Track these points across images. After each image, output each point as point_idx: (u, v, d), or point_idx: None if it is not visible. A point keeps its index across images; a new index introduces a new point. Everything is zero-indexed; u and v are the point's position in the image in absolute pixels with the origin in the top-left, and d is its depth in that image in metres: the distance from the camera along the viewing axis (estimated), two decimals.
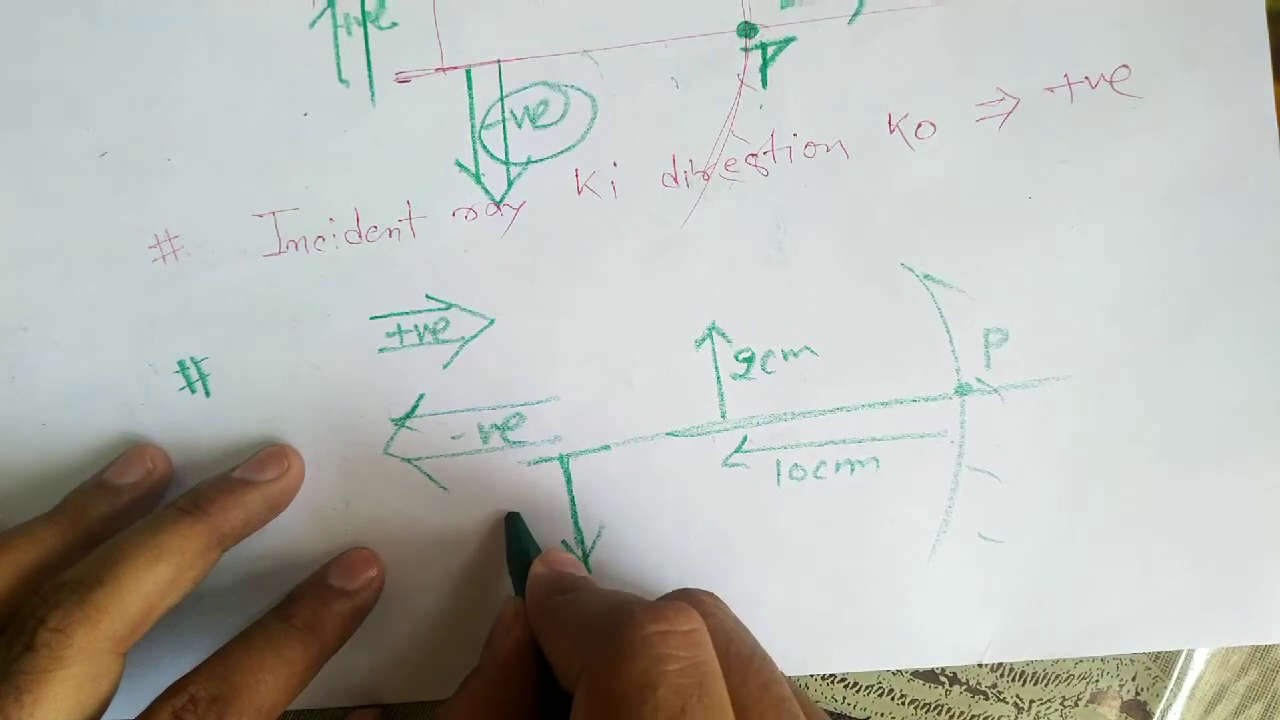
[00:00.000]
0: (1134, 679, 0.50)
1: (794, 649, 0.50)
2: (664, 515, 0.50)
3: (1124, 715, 0.51)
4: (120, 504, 0.49)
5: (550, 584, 0.44)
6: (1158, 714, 0.51)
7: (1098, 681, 0.51)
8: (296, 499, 0.51)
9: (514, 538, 0.49)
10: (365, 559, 0.51)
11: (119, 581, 0.42)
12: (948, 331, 0.48)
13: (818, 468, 0.49)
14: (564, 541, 0.50)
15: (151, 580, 0.43)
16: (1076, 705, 0.51)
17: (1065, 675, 0.51)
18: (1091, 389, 0.48)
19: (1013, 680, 0.51)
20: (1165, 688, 0.50)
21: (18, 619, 0.41)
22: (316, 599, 0.48)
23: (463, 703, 0.42)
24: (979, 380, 0.48)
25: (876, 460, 0.48)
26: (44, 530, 0.47)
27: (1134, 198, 0.47)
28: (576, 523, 0.50)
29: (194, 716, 0.41)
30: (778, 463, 0.49)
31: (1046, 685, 0.51)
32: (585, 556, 0.50)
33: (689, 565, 0.50)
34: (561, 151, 0.49)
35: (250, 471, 0.49)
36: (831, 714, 0.51)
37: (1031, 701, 0.51)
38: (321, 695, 0.52)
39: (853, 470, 0.49)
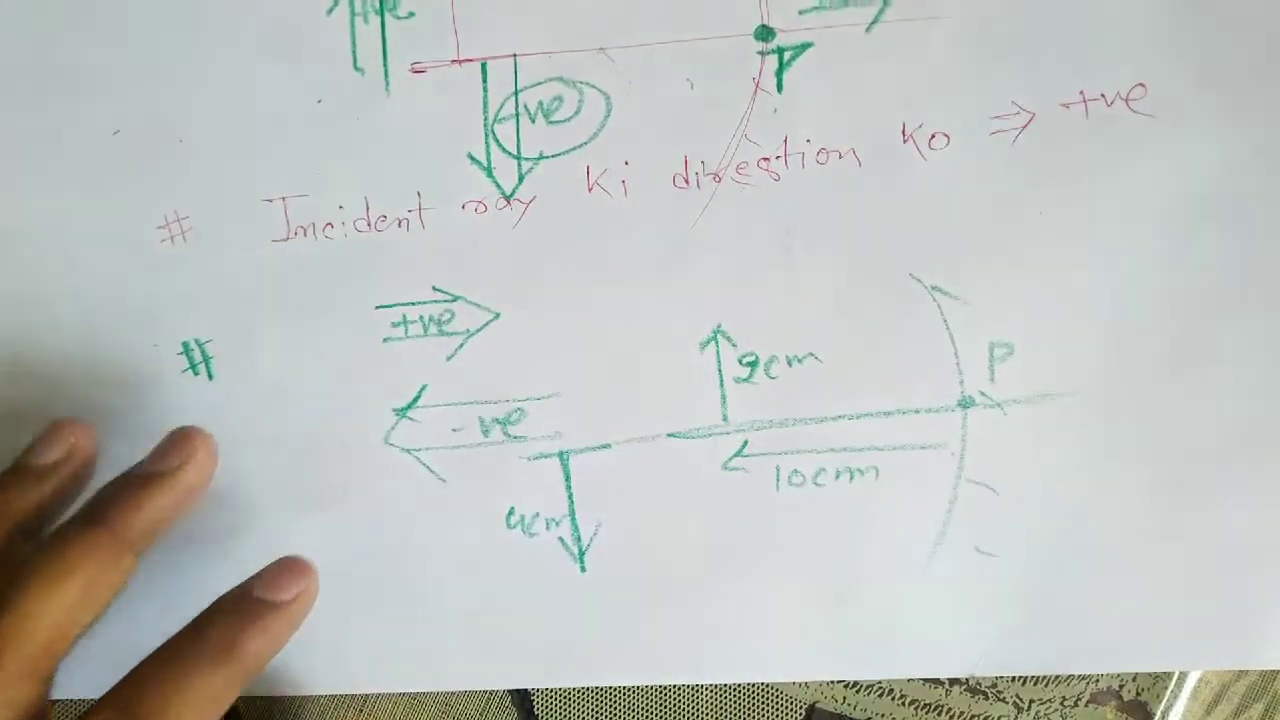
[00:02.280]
0: (1134, 679, 0.50)
1: (787, 655, 0.50)
2: (662, 516, 0.50)
3: (1124, 715, 0.51)
4: (47, 489, 0.47)
5: None
6: (1158, 714, 0.51)
7: (1098, 681, 0.51)
8: (294, 485, 0.51)
9: None
10: (297, 568, 0.46)
11: (23, 609, 0.41)
12: (953, 344, 0.47)
13: (817, 474, 0.49)
14: (560, 539, 0.50)
15: (58, 603, 0.41)
16: (1077, 705, 0.51)
17: (1065, 675, 0.51)
18: (1095, 407, 0.48)
19: (1013, 680, 0.51)
20: (1166, 688, 0.50)
21: None
22: (236, 615, 0.44)
23: None
24: (982, 394, 0.48)
25: (876, 469, 0.48)
26: None
27: (1146, 217, 0.47)
28: (574, 520, 0.50)
29: None
30: (777, 468, 0.49)
31: (1047, 685, 0.51)
32: (582, 554, 0.50)
33: (685, 567, 0.50)
34: (574, 148, 0.49)
35: (151, 464, 0.46)
36: (831, 714, 0.51)
37: (1031, 701, 0.51)
38: (317, 682, 0.52)
39: (852, 479, 0.48)
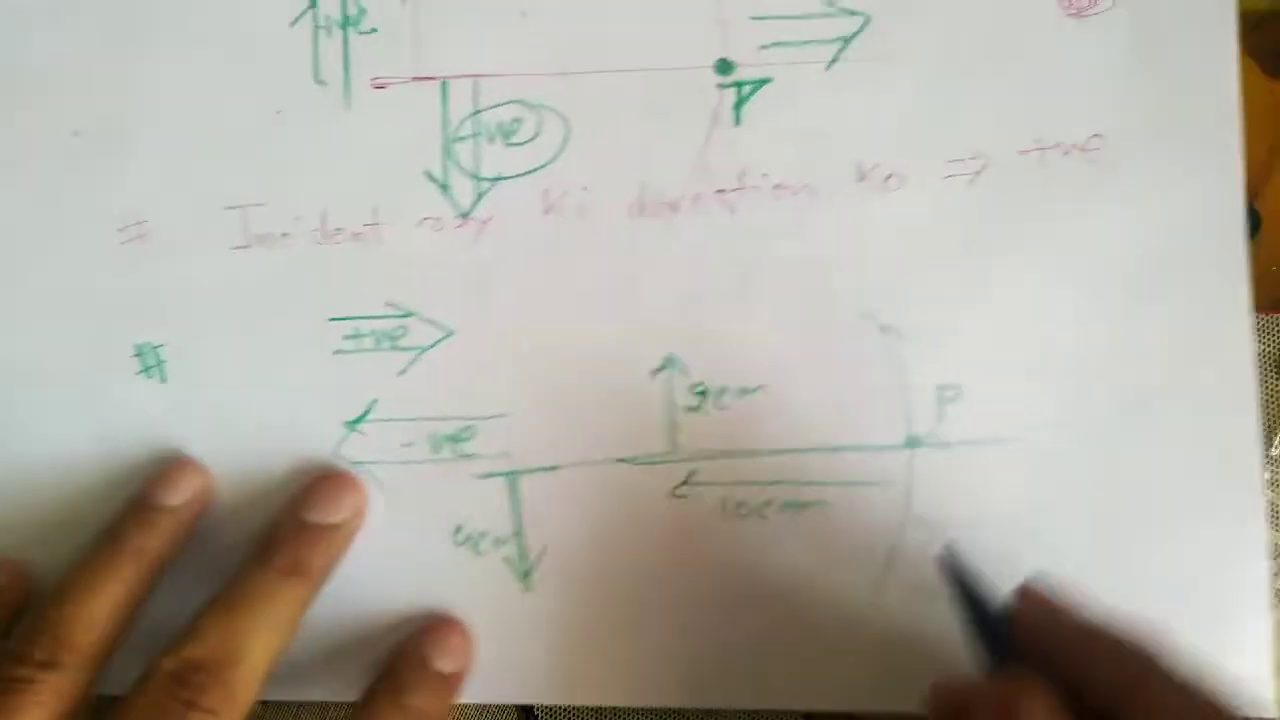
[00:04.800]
0: None
1: (726, 683, 0.50)
2: (608, 541, 0.50)
3: None
4: (176, 525, 0.49)
5: (1102, 634, 0.39)
6: None
7: None
8: (242, 498, 0.51)
9: (965, 584, 0.45)
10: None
11: (251, 661, 0.43)
12: (902, 383, 0.48)
13: (763, 507, 0.49)
14: (506, 558, 0.50)
15: (274, 651, 0.45)
16: None
17: None
18: (1038, 454, 0.48)
19: None
20: None
21: (150, 693, 0.42)
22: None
23: None
24: (929, 435, 0.48)
25: (821, 504, 0.49)
26: (123, 568, 0.47)
27: (1096, 266, 0.47)
28: (520, 541, 0.50)
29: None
30: (724, 499, 0.49)
31: None
32: (527, 574, 0.50)
33: (629, 592, 0.50)
34: (531, 171, 0.49)
35: (325, 514, 0.49)
36: (836, 715, 0.51)
37: None
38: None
39: (797, 512, 0.49)
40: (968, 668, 0.45)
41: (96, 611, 0.45)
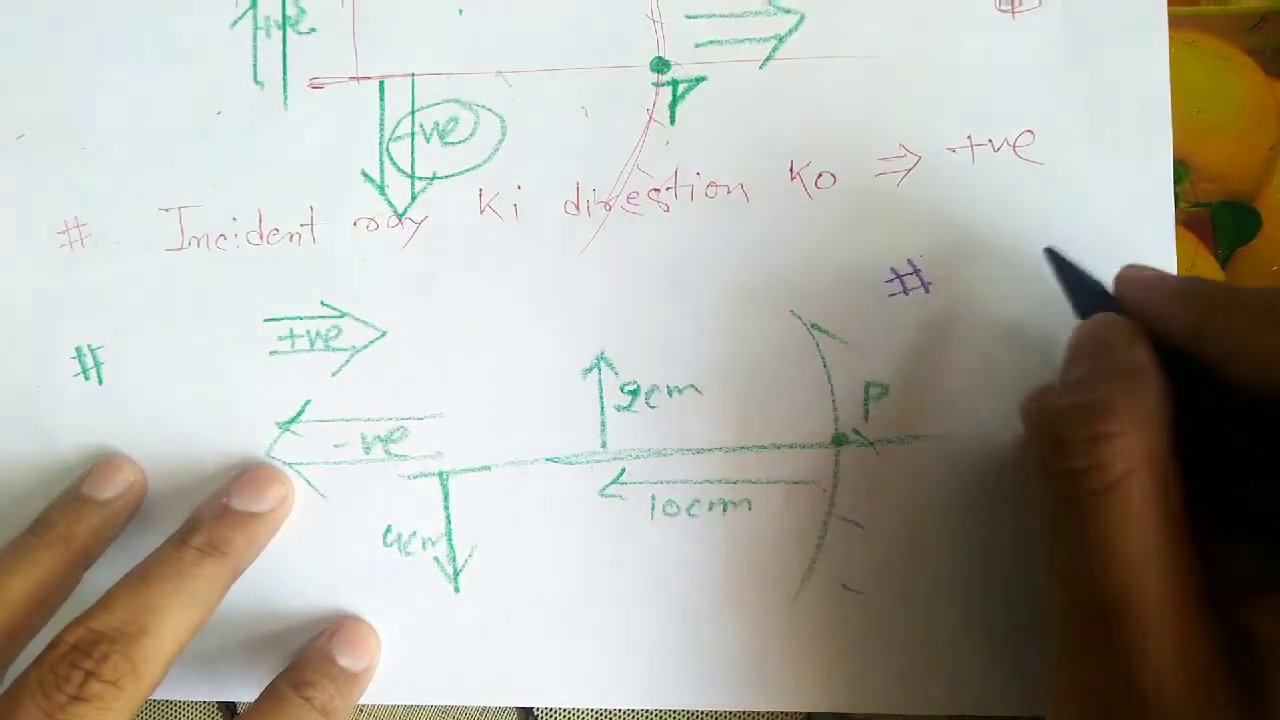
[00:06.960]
0: None
1: (653, 682, 0.49)
2: (537, 540, 0.49)
3: None
4: (106, 518, 0.49)
5: (1180, 279, 0.41)
6: None
7: None
8: (178, 498, 0.51)
9: (1067, 272, 0.45)
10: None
11: (160, 635, 0.42)
12: (830, 381, 0.47)
13: (691, 505, 0.48)
14: (436, 559, 0.50)
15: (185, 629, 0.43)
16: None
17: None
18: (963, 451, 0.47)
19: None
20: None
21: (50, 663, 0.41)
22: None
23: (1139, 418, 0.37)
24: (856, 432, 0.48)
25: (749, 502, 0.48)
26: (42, 552, 0.46)
27: (1023, 264, 0.47)
28: (450, 540, 0.50)
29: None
30: (653, 497, 0.49)
31: None
32: (456, 574, 0.50)
33: (558, 591, 0.49)
34: (467, 170, 0.49)
35: (248, 502, 0.49)
36: (834, 715, 0.50)
37: None
38: (183, 689, 0.52)
39: (725, 510, 0.48)
40: (884, 666, 0.45)
41: (11, 591, 0.44)
